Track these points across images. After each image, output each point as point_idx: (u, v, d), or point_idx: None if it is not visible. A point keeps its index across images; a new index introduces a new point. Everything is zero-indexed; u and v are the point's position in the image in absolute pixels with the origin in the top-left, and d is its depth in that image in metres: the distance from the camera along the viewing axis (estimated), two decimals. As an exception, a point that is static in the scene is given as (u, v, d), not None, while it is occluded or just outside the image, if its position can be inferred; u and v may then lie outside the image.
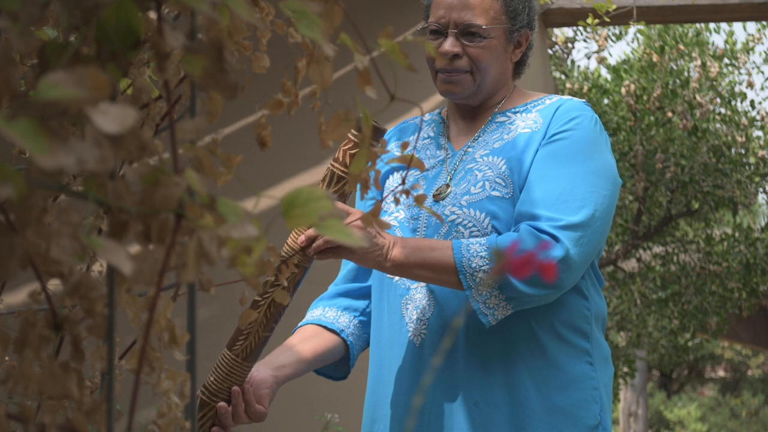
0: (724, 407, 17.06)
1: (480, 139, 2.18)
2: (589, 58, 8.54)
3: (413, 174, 2.19)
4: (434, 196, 2.13)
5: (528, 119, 2.15)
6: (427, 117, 2.32)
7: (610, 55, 8.38)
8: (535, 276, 1.91)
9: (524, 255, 0.79)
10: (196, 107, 0.90)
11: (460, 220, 2.06)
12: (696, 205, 8.79)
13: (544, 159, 2.06)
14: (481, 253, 1.95)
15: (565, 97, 2.18)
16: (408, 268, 1.97)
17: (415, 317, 2.10)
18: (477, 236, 2.04)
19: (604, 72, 8.81)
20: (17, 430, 0.83)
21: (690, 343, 9.57)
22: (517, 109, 2.19)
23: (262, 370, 2.04)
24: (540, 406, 2.04)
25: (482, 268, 1.94)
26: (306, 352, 2.16)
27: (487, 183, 2.08)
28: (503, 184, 2.07)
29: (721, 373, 18.64)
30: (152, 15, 0.86)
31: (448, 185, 2.13)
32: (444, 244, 1.98)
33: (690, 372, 18.33)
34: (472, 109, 2.21)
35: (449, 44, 2.11)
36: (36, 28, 1.13)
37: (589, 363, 2.10)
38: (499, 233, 2.03)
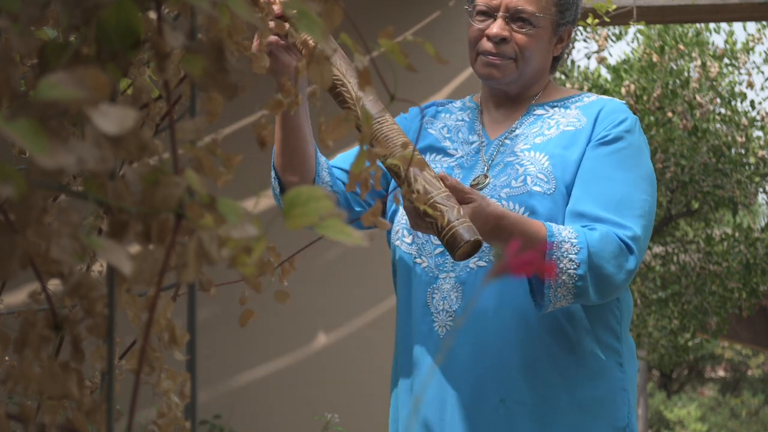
0: (724, 407, 17.07)
1: (518, 131, 2.16)
2: (589, 58, 8.54)
3: (448, 161, 2.17)
4: (472, 185, 2.10)
5: (569, 116, 2.15)
6: (458, 104, 2.29)
7: (610, 55, 8.38)
8: (608, 289, 1.97)
9: (525, 256, 0.79)
10: (196, 107, 0.90)
11: None
12: (696, 205, 8.79)
13: (599, 159, 2.06)
14: (571, 255, 1.94)
15: (604, 97, 2.19)
16: (495, 244, 1.95)
17: (441, 308, 2.07)
18: None
19: (604, 72, 8.82)
20: (17, 430, 0.83)
21: (690, 343, 9.58)
22: (554, 104, 2.19)
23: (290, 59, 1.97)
24: (568, 404, 2.02)
25: (568, 271, 1.93)
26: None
27: (528, 178, 2.06)
28: (545, 179, 2.06)
29: (721, 373, 18.65)
30: (152, 15, 0.86)
31: (486, 176, 2.11)
32: (538, 233, 1.94)
33: (690, 372, 18.34)
34: (508, 99, 2.20)
35: (498, 27, 2.10)
36: (36, 28, 1.13)
37: (619, 363, 2.09)
38: None
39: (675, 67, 8.25)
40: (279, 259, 1.14)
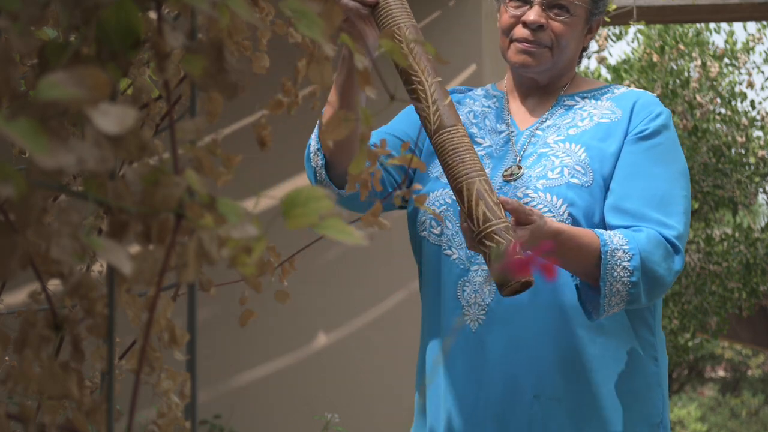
0: (724, 407, 17.06)
1: (549, 122, 2.14)
2: (589, 58, 8.54)
3: (476, 150, 2.11)
4: (504, 176, 2.07)
5: (601, 107, 2.13)
6: (479, 91, 2.26)
7: (610, 55, 8.38)
8: (658, 292, 1.97)
9: (524, 256, 0.79)
10: (196, 107, 0.90)
11: (534, 203, 2.01)
12: (696, 205, 8.78)
13: (639, 154, 2.05)
14: (624, 263, 1.93)
15: (634, 88, 2.17)
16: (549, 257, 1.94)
17: (472, 301, 2.02)
18: None
19: (604, 72, 8.81)
20: (17, 430, 0.83)
21: (690, 343, 9.57)
22: (584, 95, 2.17)
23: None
24: (603, 400, 2.00)
25: (622, 279, 1.93)
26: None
27: (566, 170, 2.04)
28: (582, 172, 2.04)
29: (721, 373, 18.63)
30: (152, 15, 0.86)
31: (519, 166, 2.08)
32: (591, 243, 1.93)
33: (690, 372, 18.33)
34: (537, 89, 2.17)
35: (535, 14, 2.06)
36: (36, 28, 1.13)
37: (654, 358, 2.07)
38: (575, 220, 2.01)
39: (675, 67, 8.25)
40: (279, 259, 1.14)
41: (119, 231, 0.81)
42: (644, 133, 2.06)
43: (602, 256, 1.92)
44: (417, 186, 2.09)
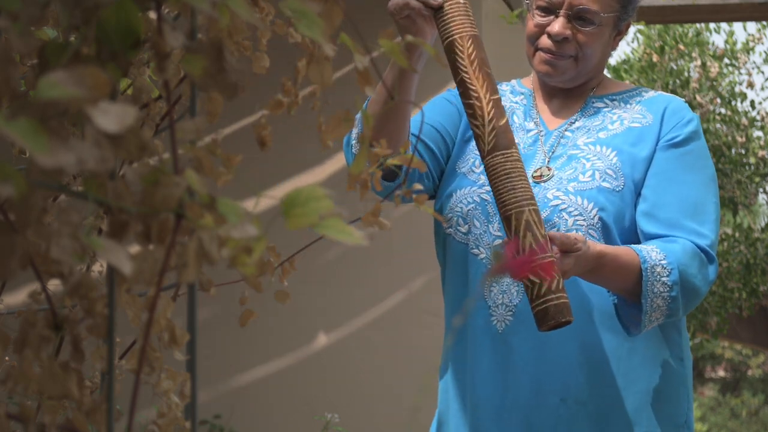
0: (724, 407, 17.05)
1: (578, 123, 2.13)
2: (589, 58, 8.51)
3: None
4: (534, 177, 2.05)
5: (632, 111, 2.12)
6: (505, 87, 2.23)
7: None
8: (695, 303, 1.98)
9: (523, 256, 0.79)
10: (196, 107, 0.90)
11: (565, 206, 2.01)
12: (696, 205, 8.74)
13: (672, 161, 2.05)
14: (663, 278, 1.94)
15: (662, 92, 2.17)
16: (592, 279, 1.95)
17: (500, 302, 2.01)
18: (581, 223, 1.99)
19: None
20: (17, 430, 0.83)
21: (690, 343, 9.55)
22: (613, 97, 2.16)
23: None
24: (629, 402, 2.00)
25: (662, 294, 1.94)
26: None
27: (597, 173, 2.03)
28: (614, 176, 2.03)
29: (721, 373, 18.63)
30: (152, 15, 0.86)
31: (549, 168, 2.07)
32: (632, 261, 1.93)
33: (690, 372, 18.30)
34: (562, 91, 2.16)
35: (560, 26, 2.05)
36: (36, 28, 1.13)
37: (680, 358, 2.07)
38: (606, 225, 2.01)
39: (675, 67, 8.25)
40: (279, 259, 1.14)
41: (119, 231, 0.81)
42: (676, 140, 2.06)
43: (643, 273, 1.93)
44: (417, 186, 2.07)
